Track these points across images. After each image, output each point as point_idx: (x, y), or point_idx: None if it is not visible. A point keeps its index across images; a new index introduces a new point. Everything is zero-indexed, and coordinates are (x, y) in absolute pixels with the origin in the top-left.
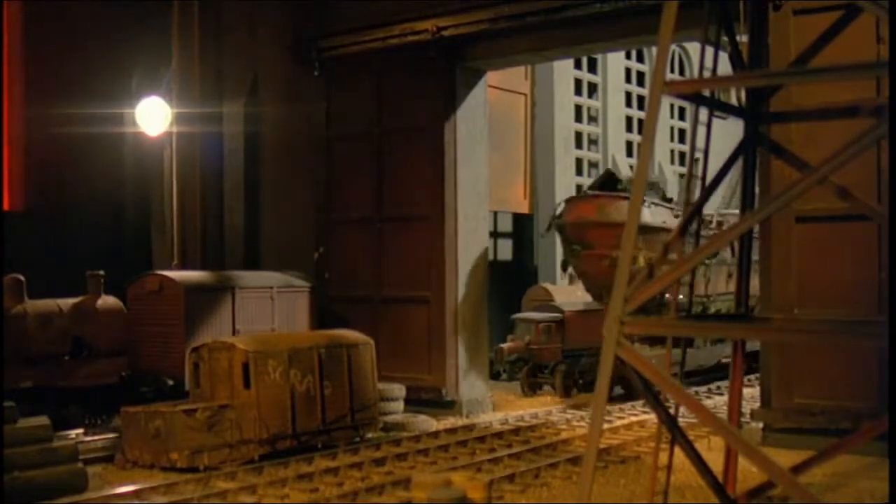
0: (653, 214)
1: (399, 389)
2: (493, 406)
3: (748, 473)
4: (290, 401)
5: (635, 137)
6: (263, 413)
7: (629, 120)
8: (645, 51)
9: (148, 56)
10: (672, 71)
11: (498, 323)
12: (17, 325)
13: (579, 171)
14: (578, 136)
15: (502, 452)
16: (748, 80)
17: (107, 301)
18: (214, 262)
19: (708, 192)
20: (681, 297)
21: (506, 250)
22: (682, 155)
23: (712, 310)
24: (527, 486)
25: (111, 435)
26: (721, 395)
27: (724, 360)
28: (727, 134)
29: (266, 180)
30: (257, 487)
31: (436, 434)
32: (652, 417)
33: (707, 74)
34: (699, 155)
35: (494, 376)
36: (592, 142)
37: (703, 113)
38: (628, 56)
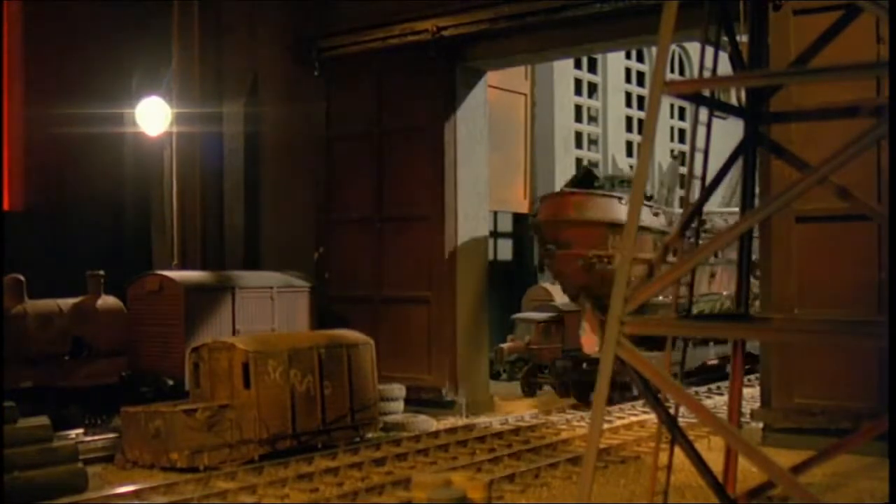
0: None
1: (399, 389)
2: (493, 406)
3: (748, 473)
4: (290, 401)
5: (635, 137)
6: (263, 413)
7: (629, 120)
8: (645, 51)
9: (148, 56)
10: (672, 71)
11: (498, 323)
12: (17, 325)
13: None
14: (578, 136)
15: (502, 452)
16: (748, 80)
17: (107, 301)
18: (214, 262)
19: (708, 192)
20: (660, 297)
21: (506, 250)
22: (682, 155)
23: (695, 311)
24: (527, 486)
25: (111, 435)
26: (721, 395)
27: (709, 363)
28: (727, 134)
29: (266, 180)
30: (257, 487)
31: (436, 434)
32: (652, 417)
33: (707, 74)
34: (698, 154)
35: (494, 376)
36: (592, 142)
37: (703, 113)
38: (628, 56)
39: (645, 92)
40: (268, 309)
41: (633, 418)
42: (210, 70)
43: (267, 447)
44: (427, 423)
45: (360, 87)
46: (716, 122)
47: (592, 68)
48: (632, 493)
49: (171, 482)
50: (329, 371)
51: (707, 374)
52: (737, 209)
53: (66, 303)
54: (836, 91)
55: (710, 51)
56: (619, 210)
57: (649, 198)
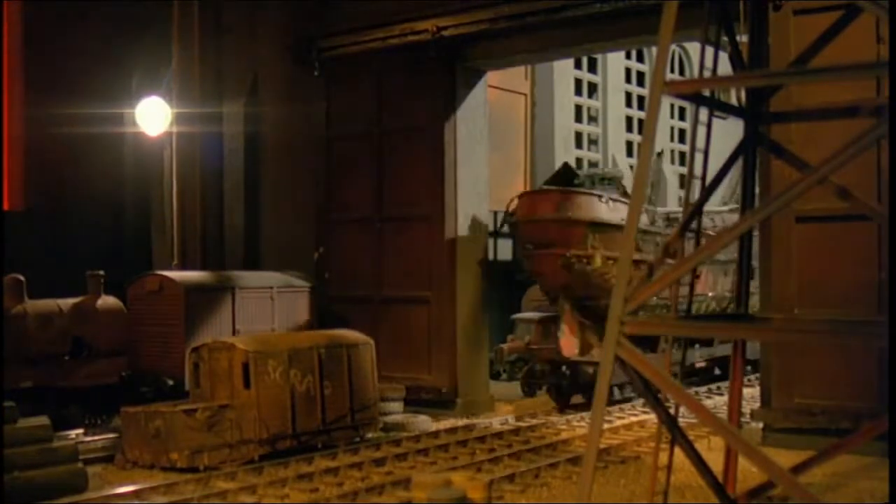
0: (610, 211)
1: (399, 389)
2: (493, 406)
3: (748, 473)
4: (290, 401)
5: (635, 137)
6: (263, 413)
7: (629, 120)
8: (645, 51)
9: (148, 56)
10: (672, 71)
11: (498, 323)
12: (17, 325)
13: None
14: (578, 136)
15: (502, 452)
16: (748, 80)
17: (107, 301)
18: (214, 262)
19: (708, 192)
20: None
21: (506, 250)
22: (682, 155)
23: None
24: (527, 486)
25: (111, 435)
26: (721, 395)
27: (697, 366)
28: (727, 134)
29: (266, 180)
30: (257, 487)
31: (436, 434)
32: (652, 417)
33: (707, 74)
34: (698, 154)
35: (494, 376)
36: (592, 142)
37: (703, 113)
38: (628, 56)
39: (645, 92)
40: (268, 309)
41: (633, 418)
42: (210, 70)
43: (267, 447)
44: (427, 423)
45: (360, 87)
46: (716, 122)
47: (592, 68)
48: (632, 493)
49: (171, 482)
50: (329, 371)
51: (693, 378)
52: (724, 207)
53: (66, 303)
54: (836, 91)
55: (710, 51)
56: (600, 208)
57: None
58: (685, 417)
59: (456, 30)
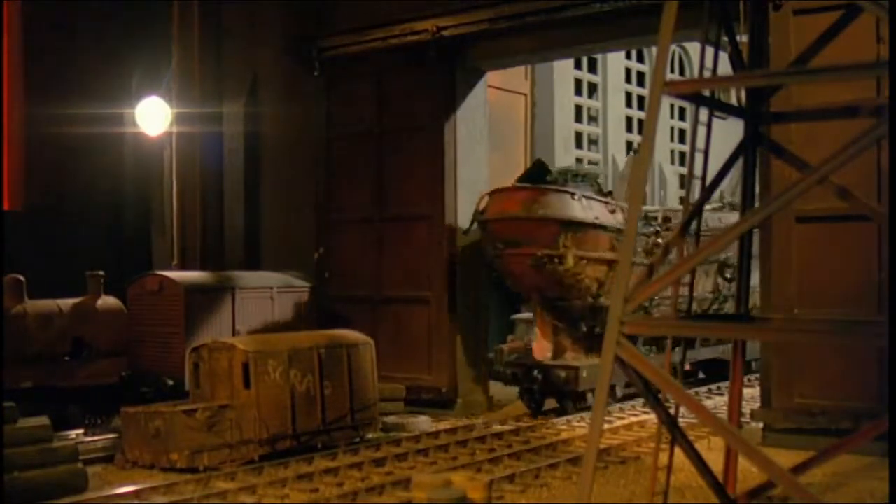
0: (584, 209)
1: (399, 389)
2: (493, 406)
3: (748, 473)
4: (290, 401)
5: (635, 137)
6: (263, 413)
7: (629, 120)
8: (645, 51)
9: (148, 56)
10: (672, 71)
11: (498, 323)
12: (17, 325)
13: None
14: (578, 136)
15: (502, 452)
16: (748, 80)
17: (107, 301)
18: (214, 262)
19: (708, 191)
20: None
21: None
22: (682, 155)
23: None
24: (527, 487)
25: (111, 435)
26: (721, 395)
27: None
28: (727, 134)
29: (266, 180)
30: (257, 488)
31: (436, 434)
32: (652, 417)
33: (707, 74)
34: (698, 154)
35: (495, 377)
36: (592, 142)
37: (703, 113)
38: (628, 56)
39: (645, 92)
40: (268, 309)
41: (633, 418)
42: (210, 70)
43: (267, 447)
44: (427, 423)
45: (360, 87)
46: (716, 122)
47: (592, 68)
48: (632, 494)
49: (171, 482)
50: (329, 371)
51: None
52: (706, 206)
53: (66, 303)
54: (836, 91)
55: (710, 51)
56: (572, 206)
57: (608, 193)
58: (685, 417)
59: (456, 30)
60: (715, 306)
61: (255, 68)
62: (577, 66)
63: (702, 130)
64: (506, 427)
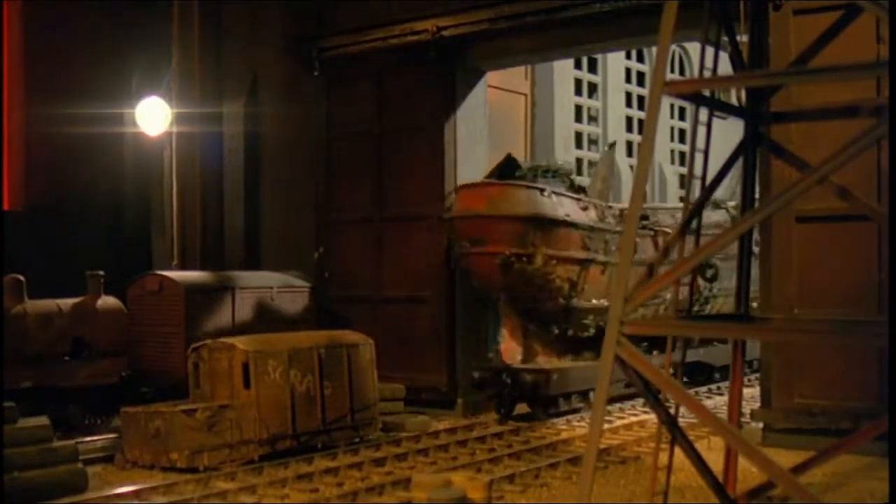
0: (553, 206)
1: (399, 389)
2: (493, 406)
3: (748, 473)
4: (290, 401)
5: (635, 137)
6: (263, 413)
7: (629, 120)
8: (645, 51)
9: (148, 56)
10: (672, 71)
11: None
12: (17, 325)
13: (579, 172)
14: (578, 136)
15: (502, 452)
16: (748, 80)
17: (107, 301)
18: (214, 262)
19: (708, 191)
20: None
21: None
22: (682, 155)
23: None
24: (527, 487)
25: (111, 435)
26: (721, 395)
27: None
28: (727, 134)
29: (266, 180)
30: (257, 488)
31: (436, 434)
32: (652, 417)
33: (707, 74)
34: (698, 154)
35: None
36: (592, 142)
37: (703, 113)
38: (628, 56)
39: (645, 92)
40: (268, 309)
41: (633, 418)
42: (210, 70)
43: (267, 447)
44: (427, 423)
45: (360, 87)
46: (716, 122)
47: (592, 68)
48: (632, 494)
49: (171, 482)
50: (329, 371)
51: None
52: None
53: (66, 303)
54: (836, 91)
55: (710, 51)
56: (542, 203)
57: (581, 190)
58: (685, 417)
59: (456, 30)
60: (696, 308)
61: (255, 68)
62: (577, 66)
63: (702, 130)
64: (506, 427)
